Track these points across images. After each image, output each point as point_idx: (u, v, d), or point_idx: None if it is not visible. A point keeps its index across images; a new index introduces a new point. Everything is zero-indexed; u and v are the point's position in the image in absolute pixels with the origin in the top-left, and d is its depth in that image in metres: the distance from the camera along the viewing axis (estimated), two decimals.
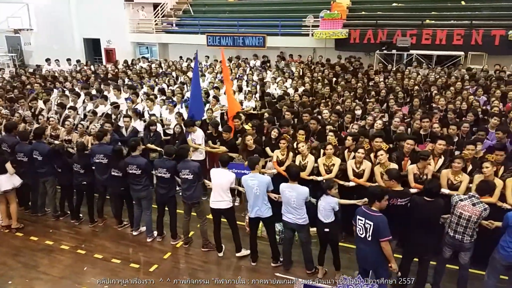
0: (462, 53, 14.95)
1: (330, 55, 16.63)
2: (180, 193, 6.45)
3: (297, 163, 6.48)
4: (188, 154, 6.32)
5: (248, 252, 6.20)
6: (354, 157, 6.28)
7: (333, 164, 6.35)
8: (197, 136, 7.86)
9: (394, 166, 6.00)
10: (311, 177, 6.38)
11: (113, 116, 8.97)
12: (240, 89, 11.65)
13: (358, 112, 8.66)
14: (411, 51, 15.17)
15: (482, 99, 9.45)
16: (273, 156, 6.87)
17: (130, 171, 6.42)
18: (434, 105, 9.24)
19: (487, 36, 14.84)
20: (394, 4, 18.42)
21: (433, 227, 4.99)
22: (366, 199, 5.44)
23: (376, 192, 4.74)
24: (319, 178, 6.33)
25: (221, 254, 6.30)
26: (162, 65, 16.78)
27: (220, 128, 8.09)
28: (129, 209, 6.95)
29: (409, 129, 7.94)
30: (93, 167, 6.99)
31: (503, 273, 4.89)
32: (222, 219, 6.19)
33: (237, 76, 13.64)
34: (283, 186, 5.62)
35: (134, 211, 6.88)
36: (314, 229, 5.67)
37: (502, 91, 9.77)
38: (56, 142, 7.74)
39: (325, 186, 5.49)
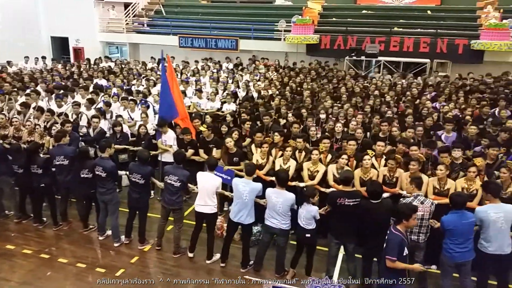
0: (428, 60, 15.49)
1: (303, 60, 16.85)
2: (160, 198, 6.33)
3: (277, 167, 6.52)
4: (184, 159, 6.26)
5: (218, 256, 6.18)
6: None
7: (317, 171, 6.40)
8: (168, 137, 7.78)
9: (374, 171, 6.20)
10: (293, 183, 6.37)
11: (74, 116, 8.78)
12: (217, 91, 11.64)
13: (323, 116, 8.82)
14: (380, 58, 15.59)
15: (442, 104, 9.83)
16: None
17: (97, 173, 6.32)
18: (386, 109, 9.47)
19: (451, 44, 15.46)
20: (363, 11, 18.90)
21: (385, 227, 5.08)
22: (326, 207, 5.52)
23: (403, 211, 4.47)
24: (302, 184, 6.36)
25: (191, 255, 6.26)
26: (123, 66, 16.37)
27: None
28: (98, 212, 6.78)
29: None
30: (53, 169, 6.80)
31: (455, 272, 5.10)
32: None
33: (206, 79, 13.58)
34: (269, 191, 5.63)
35: (100, 215, 6.71)
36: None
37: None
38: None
39: (308, 193, 5.50)
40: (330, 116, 9.01)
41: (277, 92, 11.37)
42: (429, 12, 18.29)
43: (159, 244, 6.50)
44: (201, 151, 7.56)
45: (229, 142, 7.04)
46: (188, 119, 8.30)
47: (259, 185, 5.76)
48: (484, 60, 15.26)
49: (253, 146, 7.17)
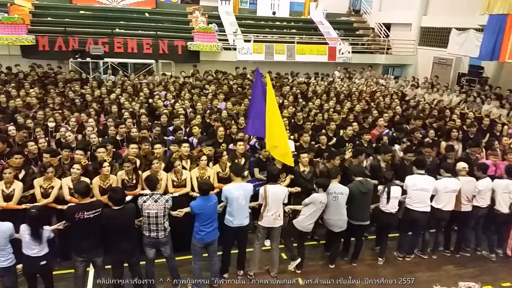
0: (153, 61, 16.28)
1: (18, 63, 14.68)
2: None
3: None
4: None
5: None
6: None
7: (52, 187, 5.86)
8: None
9: (113, 177, 6.07)
10: (23, 206, 5.61)
11: None
12: None
13: (51, 124, 8.25)
14: (106, 59, 15.37)
15: (171, 102, 10.68)
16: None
17: None
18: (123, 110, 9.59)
19: (171, 46, 16.78)
20: (81, 12, 18.16)
21: (130, 232, 5.21)
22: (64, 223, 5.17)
23: None
24: (28, 206, 5.51)
25: None
26: None
27: None
28: None
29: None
30: None
31: (204, 252, 5.66)
32: None
33: None
34: None
35: None
36: (20, 266, 4.96)
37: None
38: None
39: (35, 214, 4.86)
40: (63, 124, 8.37)
41: None
42: (147, 14, 19.22)
43: None
44: None
45: None
46: None
47: None
48: (201, 60, 17.21)
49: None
